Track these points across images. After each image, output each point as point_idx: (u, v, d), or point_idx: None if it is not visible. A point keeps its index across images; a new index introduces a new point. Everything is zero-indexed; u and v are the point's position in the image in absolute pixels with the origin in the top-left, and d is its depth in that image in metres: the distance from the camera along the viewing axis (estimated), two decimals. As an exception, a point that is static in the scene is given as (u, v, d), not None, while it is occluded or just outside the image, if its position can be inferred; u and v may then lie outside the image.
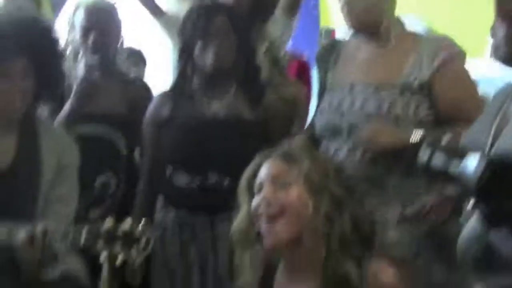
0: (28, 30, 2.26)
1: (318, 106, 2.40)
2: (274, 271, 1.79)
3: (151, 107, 2.54)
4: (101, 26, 2.78)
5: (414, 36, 2.33)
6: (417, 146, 2.12)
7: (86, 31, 2.77)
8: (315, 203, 1.66)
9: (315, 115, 2.40)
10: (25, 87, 2.26)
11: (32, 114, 2.37)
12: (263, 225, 1.68)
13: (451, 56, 2.23)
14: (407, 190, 2.23)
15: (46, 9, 3.65)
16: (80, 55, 2.80)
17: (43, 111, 2.60)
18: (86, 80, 2.76)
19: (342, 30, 2.98)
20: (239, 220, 1.77)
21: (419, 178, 2.18)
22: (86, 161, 2.43)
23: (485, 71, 2.94)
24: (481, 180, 1.17)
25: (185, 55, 2.46)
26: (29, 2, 3.14)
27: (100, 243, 2.02)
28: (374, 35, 2.28)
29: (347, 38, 2.45)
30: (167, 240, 2.46)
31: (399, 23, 2.33)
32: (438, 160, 1.29)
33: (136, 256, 1.99)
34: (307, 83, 2.97)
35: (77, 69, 2.80)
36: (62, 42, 2.58)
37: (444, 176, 1.28)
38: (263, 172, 1.73)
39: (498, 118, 1.56)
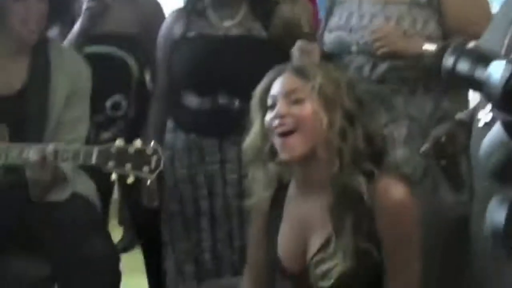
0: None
1: (326, 22, 2.36)
2: (285, 187, 1.79)
3: (163, 27, 2.50)
4: None
5: None
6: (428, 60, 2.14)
7: None
8: (329, 118, 1.65)
9: (323, 32, 2.35)
10: (40, 9, 2.25)
11: (44, 37, 2.35)
12: (277, 140, 1.68)
13: None
14: (415, 108, 2.22)
15: None
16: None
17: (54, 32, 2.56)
18: None
19: None
20: (251, 137, 1.76)
21: (426, 96, 2.23)
22: (97, 82, 2.42)
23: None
24: (507, 86, 1.13)
25: None
26: None
27: (111, 163, 2.01)
28: None
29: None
30: (176, 163, 2.45)
31: None
32: (464, 65, 1.25)
33: (147, 175, 1.98)
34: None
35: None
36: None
37: (470, 84, 1.24)
38: (276, 87, 1.71)
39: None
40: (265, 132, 1.72)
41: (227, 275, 2.38)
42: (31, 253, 2.31)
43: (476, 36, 1.86)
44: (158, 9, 2.91)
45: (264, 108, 1.72)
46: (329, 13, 2.37)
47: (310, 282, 1.67)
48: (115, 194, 3.23)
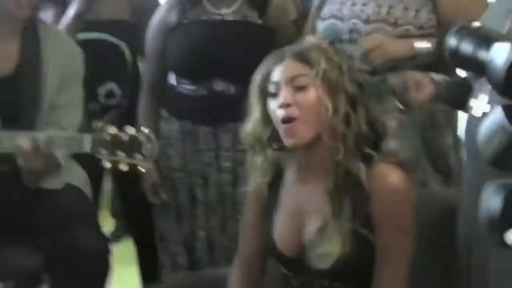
0: None
1: (319, 11, 2.34)
2: (283, 173, 1.78)
3: (157, 14, 2.48)
4: None
5: None
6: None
7: None
8: (333, 103, 1.63)
9: (316, 20, 2.34)
10: None
11: (35, 18, 2.32)
12: (281, 126, 1.66)
13: None
14: None
15: None
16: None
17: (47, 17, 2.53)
18: None
19: None
20: (251, 124, 1.74)
21: None
22: (90, 69, 2.39)
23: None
24: (510, 69, 1.11)
25: None
26: None
27: (104, 151, 2.00)
28: None
29: None
30: (170, 152, 2.43)
31: None
32: (468, 46, 1.23)
33: (140, 163, 1.97)
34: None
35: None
36: None
37: (473, 66, 1.22)
38: (278, 74, 1.68)
39: None
40: (266, 119, 1.70)
41: (221, 264, 2.35)
42: (22, 242, 2.28)
43: None
44: None
45: (264, 94, 1.70)
46: (322, 1, 2.35)
47: (306, 265, 1.67)
48: (107, 185, 3.20)
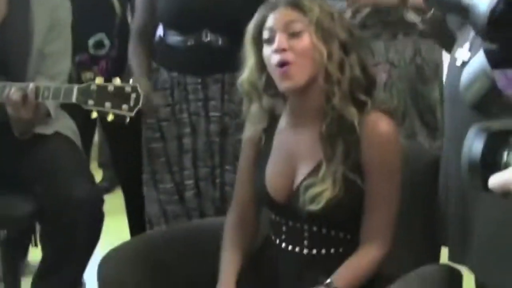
0: None
1: None
2: (277, 120, 1.81)
3: None
4: None
5: None
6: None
7: None
8: (328, 49, 1.66)
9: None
10: None
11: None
12: (276, 71, 1.67)
13: None
14: (395, 53, 2.27)
15: None
16: None
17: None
18: None
19: None
20: (247, 71, 1.76)
21: (406, 41, 2.26)
22: (79, 20, 2.40)
23: None
24: (493, 13, 1.11)
25: None
26: None
27: (91, 101, 2.02)
28: None
29: None
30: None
31: None
32: None
33: (126, 113, 1.98)
34: None
35: None
36: None
37: (456, 10, 1.21)
38: (273, 21, 1.70)
39: None
40: (261, 66, 1.72)
41: (209, 214, 2.37)
42: (14, 191, 2.30)
43: None
44: None
45: (259, 41, 1.72)
46: None
47: (297, 210, 1.70)
48: (94, 138, 3.20)
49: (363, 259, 1.68)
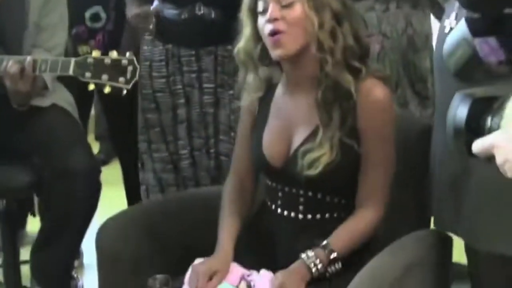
0: None
1: None
2: (274, 88, 1.85)
3: None
4: None
5: None
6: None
7: None
8: (319, 19, 1.69)
9: None
10: None
11: None
12: (269, 40, 1.72)
13: None
14: (388, 24, 2.30)
15: None
16: None
17: None
18: None
19: None
20: (243, 41, 1.80)
21: (398, 13, 2.30)
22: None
23: None
24: None
25: None
26: None
27: (88, 74, 2.05)
28: None
29: None
30: (153, 74, 2.46)
31: None
32: None
33: (123, 85, 2.00)
34: None
35: None
36: None
37: None
38: None
39: None
40: (257, 36, 1.76)
41: (204, 183, 2.41)
42: (12, 162, 2.32)
43: None
44: None
45: (254, 12, 1.76)
46: None
47: (295, 173, 1.74)
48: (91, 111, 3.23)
49: (360, 222, 1.73)
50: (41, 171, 2.27)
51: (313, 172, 1.69)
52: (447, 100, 1.30)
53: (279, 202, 1.80)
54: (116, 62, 2.01)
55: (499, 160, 1.08)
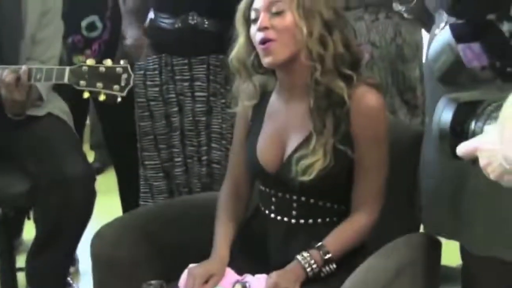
0: None
1: None
2: (269, 95, 1.87)
3: None
4: None
5: None
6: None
7: None
8: (308, 27, 1.72)
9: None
10: None
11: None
12: (260, 47, 1.75)
13: None
14: (377, 34, 2.34)
15: None
16: None
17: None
18: None
19: None
20: (237, 49, 1.83)
21: (387, 22, 2.33)
22: (73, 1, 2.45)
23: None
24: None
25: None
26: None
27: (82, 82, 2.07)
28: None
29: None
30: (147, 83, 2.49)
31: None
32: None
33: (118, 93, 2.04)
34: None
35: None
36: None
37: None
38: (258, 1, 1.78)
39: None
40: (249, 44, 1.80)
41: (196, 191, 2.44)
42: (8, 170, 2.35)
43: None
44: None
45: (248, 21, 1.79)
46: None
47: (289, 179, 1.76)
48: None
49: (354, 225, 1.76)
50: (37, 179, 2.29)
51: (307, 178, 1.72)
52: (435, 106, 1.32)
53: (272, 207, 1.83)
54: (110, 70, 2.04)
55: (482, 162, 1.12)
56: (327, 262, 1.71)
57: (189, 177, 2.47)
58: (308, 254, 1.71)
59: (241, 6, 1.81)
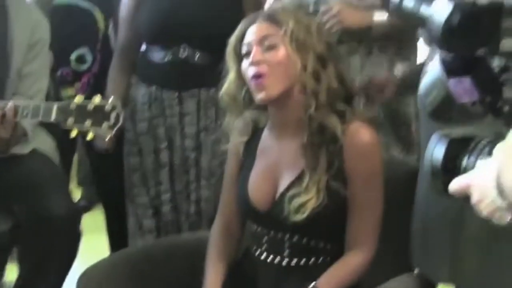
0: None
1: None
2: (261, 132, 1.88)
3: None
4: None
5: None
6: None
7: None
8: (302, 61, 1.74)
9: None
10: None
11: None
12: (252, 82, 1.76)
13: None
14: (371, 68, 2.34)
15: None
16: None
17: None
18: None
19: None
20: (228, 84, 1.84)
21: (381, 56, 2.34)
22: (62, 33, 2.49)
23: None
24: (448, 23, 1.19)
25: None
26: None
27: (70, 120, 2.07)
28: None
29: None
30: (137, 117, 2.51)
31: None
32: (410, 1, 1.31)
33: (106, 131, 2.04)
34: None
35: None
36: None
37: (414, 20, 1.30)
38: (250, 35, 1.79)
39: None
40: (240, 79, 1.81)
41: (185, 229, 2.45)
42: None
43: None
44: None
45: (239, 56, 1.81)
46: None
47: (281, 217, 1.77)
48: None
49: (348, 265, 1.77)
50: (20, 218, 2.29)
51: (300, 217, 1.73)
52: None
53: (263, 247, 1.83)
54: (99, 108, 2.04)
55: (474, 198, 1.12)
56: None
57: (178, 215, 2.48)
58: None
59: (232, 40, 1.82)
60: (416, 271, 1.86)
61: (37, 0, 2.62)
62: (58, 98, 2.53)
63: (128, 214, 2.55)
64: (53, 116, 2.08)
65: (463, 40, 1.22)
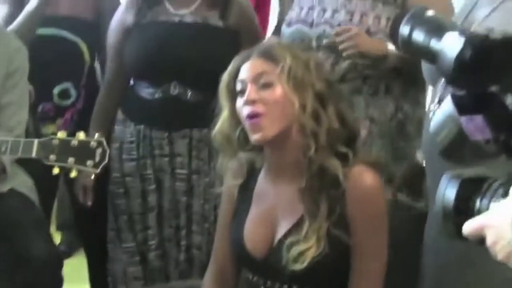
0: None
1: (282, 16, 2.43)
2: (257, 174, 1.85)
3: (117, 14, 2.54)
4: None
5: None
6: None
7: None
8: (300, 100, 1.71)
9: (282, 25, 2.43)
10: None
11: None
12: (247, 122, 1.73)
13: None
14: (376, 109, 2.32)
15: None
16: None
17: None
18: None
19: None
20: (220, 123, 1.82)
21: (387, 97, 2.32)
22: (45, 66, 2.47)
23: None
24: (460, 59, 1.19)
25: None
26: None
27: (52, 157, 2.04)
28: None
29: None
30: (124, 156, 2.49)
31: None
32: (419, 35, 1.31)
33: (91, 169, 2.02)
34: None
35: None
36: None
37: (424, 55, 1.30)
38: (244, 72, 1.77)
39: None
40: (234, 118, 1.78)
41: (173, 277, 2.40)
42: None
43: None
44: None
45: (233, 94, 1.78)
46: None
47: (279, 266, 1.74)
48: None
49: None
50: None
51: (299, 266, 1.69)
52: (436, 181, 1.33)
53: None
54: (83, 144, 2.02)
55: (489, 240, 1.11)
56: None
57: (166, 263, 2.44)
58: None
59: (225, 77, 1.80)
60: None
61: (17, 29, 2.60)
62: (38, 135, 2.48)
63: (111, 260, 2.51)
64: (34, 152, 2.05)
65: (476, 76, 1.22)
